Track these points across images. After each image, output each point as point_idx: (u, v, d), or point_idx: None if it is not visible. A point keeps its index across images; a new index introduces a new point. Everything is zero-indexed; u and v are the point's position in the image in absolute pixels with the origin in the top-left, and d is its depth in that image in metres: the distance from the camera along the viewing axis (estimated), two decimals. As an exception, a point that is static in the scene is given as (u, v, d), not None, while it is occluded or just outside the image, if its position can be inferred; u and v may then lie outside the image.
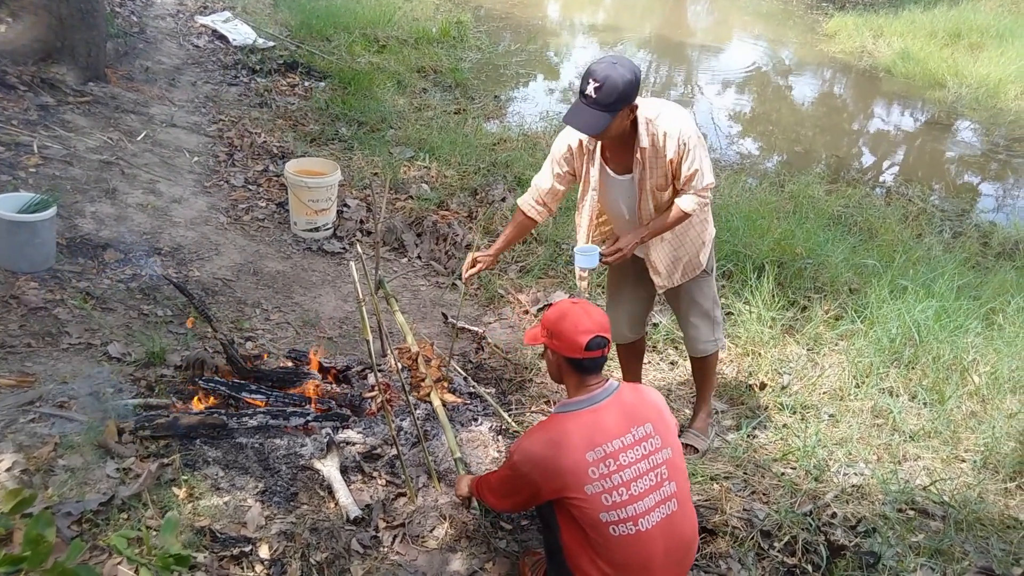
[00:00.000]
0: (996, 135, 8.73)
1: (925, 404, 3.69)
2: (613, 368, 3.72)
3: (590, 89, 2.61)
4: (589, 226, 3.08)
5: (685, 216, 2.91)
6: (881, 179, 7.79)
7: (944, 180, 7.72)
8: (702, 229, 3.08)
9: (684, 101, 9.48)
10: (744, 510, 2.92)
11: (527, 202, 3.12)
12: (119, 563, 2.26)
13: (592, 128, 2.67)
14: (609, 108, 2.62)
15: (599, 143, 2.90)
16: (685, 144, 2.77)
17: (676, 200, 2.90)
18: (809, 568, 2.69)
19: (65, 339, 3.45)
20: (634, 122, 2.77)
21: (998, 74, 9.76)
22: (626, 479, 2.18)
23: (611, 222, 3.16)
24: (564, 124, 2.76)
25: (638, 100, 2.73)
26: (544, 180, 3.06)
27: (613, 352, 3.66)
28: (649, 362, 4.01)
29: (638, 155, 2.82)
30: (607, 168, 2.95)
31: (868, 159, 8.47)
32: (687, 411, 3.59)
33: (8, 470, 2.63)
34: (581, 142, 2.93)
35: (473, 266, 3.17)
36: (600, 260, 2.94)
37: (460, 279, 3.25)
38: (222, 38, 7.86)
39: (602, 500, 2.16)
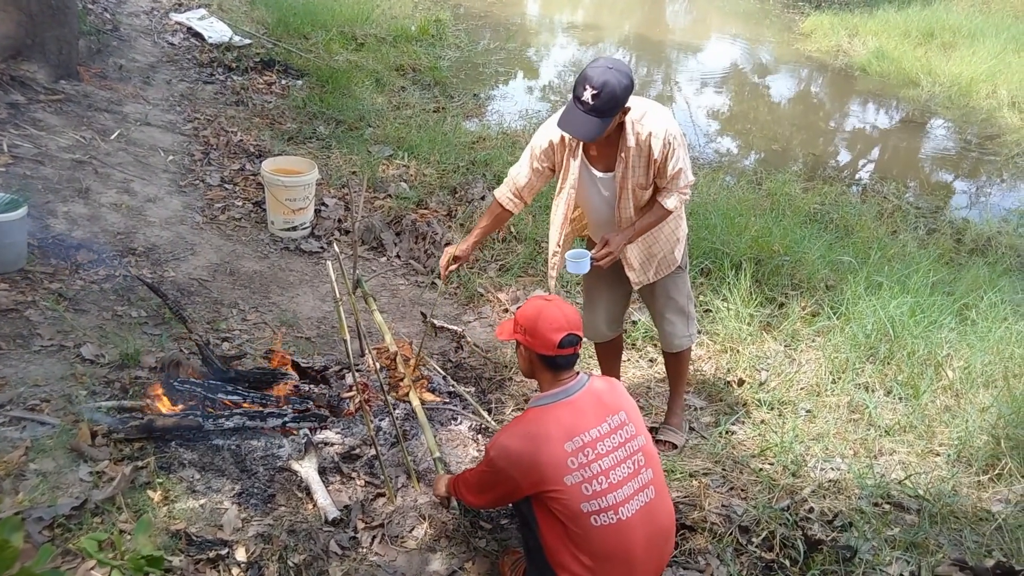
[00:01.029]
0: (968, 133, 8.85)
1: (900, 399, 3.74)
2: (592, 366, 3.73)
3: (587, 95, 2.59)
4: (563, 222, 3.08)
5: (668, 214, 2.94)
6: (857, 177, 7.87)
7: (919, 177, 7.82)
8: (676, 226, 3.09)
9: (663, 100, 9.52)
10: (722, 506, 2.93)
11: (504, 194, 3.10)
12: (91, 568, 2.22)
13: (589, 135, 2.66)
14: (606, 114, 2.62)
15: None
16: (670, 144, 2.79)
17: (659, 199, 2.91)
18: (787, 563, 2.71)
19: (37, 341, 3.39)
20: (621, 122, 2.78)
21: (970, 73, 9.90)
22: (604, 467, 2.20)
23: (587, 219, 3.17)
24: (560, 128, 2.72)
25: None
26: (522, 174, 3.05)
27: (592, 351, 3.66)
28: (628, 359, 4.02)
29: (622, 154, 2.83)
30: (589, 165, 2.95)
31: (844, 157, 8.56)
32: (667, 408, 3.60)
33: (-23, 475, 2.58)
34: (564, 137, 2.92)
35: (455, 261, 3.15)
36: (592, 263, 2.94)
37: (439, 277, 3.22)
38: (197, 36, 7.77)
39: (582, 490, 2.17)
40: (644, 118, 2.79)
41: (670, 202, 2.91)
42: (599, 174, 2.94)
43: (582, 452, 2.19)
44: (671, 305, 3.23)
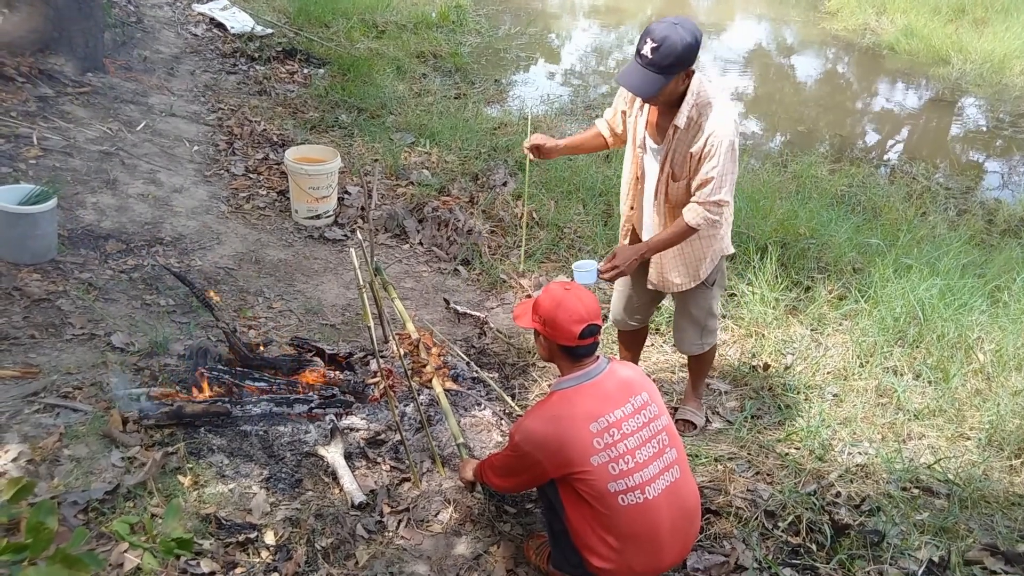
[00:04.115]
0: (1001, 111, 8.65)
1: (930, 383, 3.68)
2: (614, 352, 3.72)
3: (646, 49, 2.49)
4: (631, 181, 2.96)
5: (689, 231, 2.75)
6: (885, 158, 7.74)
7: (949, 158, 7.66)
8: (708, 243, 2.92)
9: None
10: (748, 490, 2.92)
11: (602, 120, 3.06)
12: (125, 550, 2.27)
13: (644, 90, 2.55)
14: (664, 71, 2.50)
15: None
16: (714, 147, 2.62)
17: (683, 210, 2.75)
18: (813, 547, 2.69)
19: (68, 330, 3.46)
20: (683, 94, 2.64)
21: (1003, 49, 9.65)
22: (630, 447, 2.21)
23: (638, 193, 2.99)
24: (618, 81, 2.62)
25: (702, 78, 2.63)
26: (609, 109, 3.03)
27: (613, 337, 3.65)
28: (652, 344, 4.01)
29: (670, 132, 2.70)
30: (647, 132, 2.84)
31: (872, 138, 8.41)
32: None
33: (14, 460, 2.65)
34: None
35: (535, 147, 3.06)
36: (598, 276, 2.88)
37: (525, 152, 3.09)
38: (220, 26, 7.81)
39: (609, 470, 2.18)
40: (705, 107, 2.63)
41: (691, 215, 2.71)
42: (651, 144, 2.81)
43: (607, 432, 2.20)
44: (686, 315, 3.15)
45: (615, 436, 2.20)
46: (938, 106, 9.11)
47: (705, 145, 2.63)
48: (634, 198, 3.00)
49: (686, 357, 3.44)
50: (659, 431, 2.27)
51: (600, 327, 2.33)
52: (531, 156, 3.15)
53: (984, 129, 8.42)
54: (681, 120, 2.66)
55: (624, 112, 2.94)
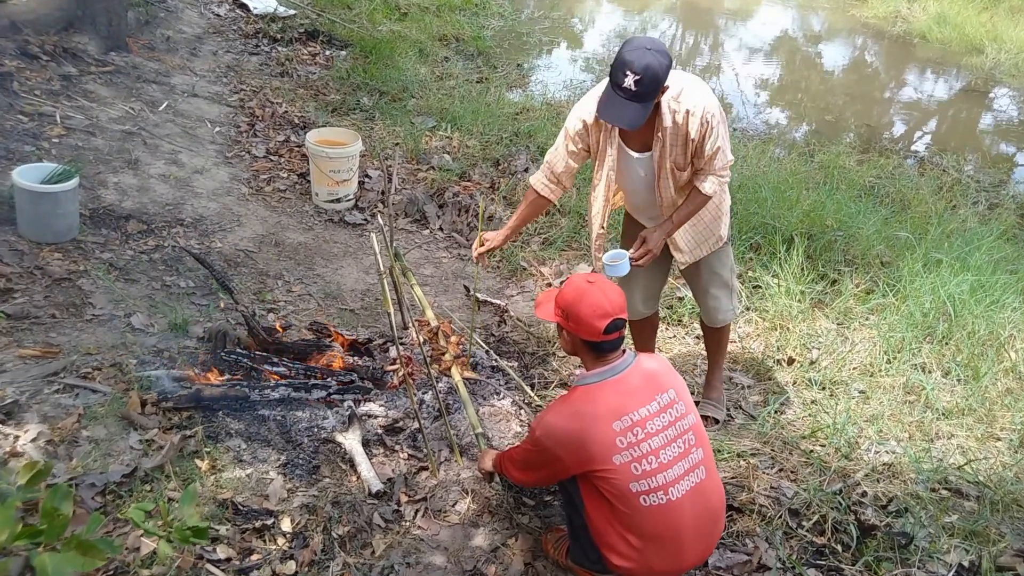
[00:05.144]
0: (1036, 103, 8.45)
1: (959, 381, 3.60)
2: (627, 343, 3.66)
3: (629, 82, 2.48)
4: (604, 204, 2.98)
5: (707, 199, 2.84)
6: (914, 149, 7.57)
7: (980, 150, 7.49)
8: (720, 201, 2.99)
9: (711, 70, 9.27)
10: (772, 488, 2.86)
11: (540, 181, 3.01)
12: (142, 535, 2.26)
13: (634, 123, 2.56)
14: (648, 98, 2.52)
15: None
16: (708, 123, 2.66)
17: (696, 183, 2.80)
18: (839, 548, 2.63)
19: (89, 310, 3.46)
20: (657, 100, 2.65)
21: (1039, 39, 9.42)
22: (654, 447, 2.15)
23: (627, 201, 3.08)
24: (601, 118, 2.64)
25: None
26: (558, 160, 2.96)
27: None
28: (674, 336, 3.95)
29: (659, 134, 2.72)
30: (624, 146, 2.86)
31: (901, 128, 8.24)
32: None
33: (33, 440, 2.65)
34: (597, 118, 2.81)
35: (482, 245, 3.12)
36: (631, 264, 2.86)
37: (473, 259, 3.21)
38: (243, 7, 7.79)
39: (631, 469, 2.12)
40: (681, 95, 2.67)
41: (707, 186, 2.78)
42: (635, 154, 2.84)
43: (631, 431, 2.14)
44: (715, 280, 3.14)
45: (639, 435, 2.14)
46: (970, 96, 8.91)
47: (701, 124, 2.67)
48: (606, 218, 3.07)
49: (704, 347, 3.39)
50: (685, 430, 2.21)
51: (625, 321, 2.27)
52: (483, 264, 3.25)
53: (1017, 121, 8.22)
54: (667, 120, 2.69)
55: (583, 149, 2.91)
